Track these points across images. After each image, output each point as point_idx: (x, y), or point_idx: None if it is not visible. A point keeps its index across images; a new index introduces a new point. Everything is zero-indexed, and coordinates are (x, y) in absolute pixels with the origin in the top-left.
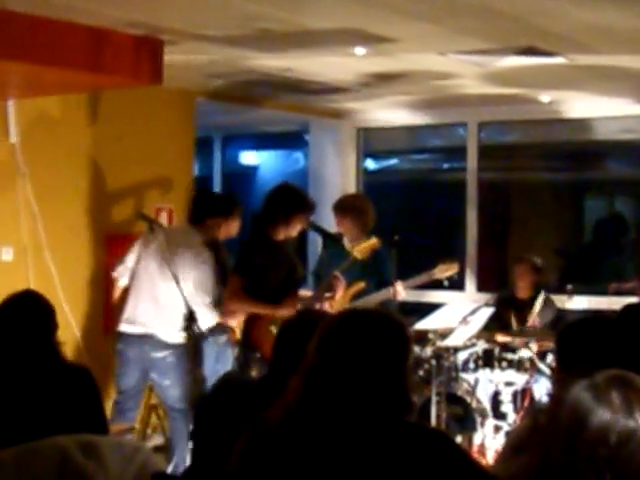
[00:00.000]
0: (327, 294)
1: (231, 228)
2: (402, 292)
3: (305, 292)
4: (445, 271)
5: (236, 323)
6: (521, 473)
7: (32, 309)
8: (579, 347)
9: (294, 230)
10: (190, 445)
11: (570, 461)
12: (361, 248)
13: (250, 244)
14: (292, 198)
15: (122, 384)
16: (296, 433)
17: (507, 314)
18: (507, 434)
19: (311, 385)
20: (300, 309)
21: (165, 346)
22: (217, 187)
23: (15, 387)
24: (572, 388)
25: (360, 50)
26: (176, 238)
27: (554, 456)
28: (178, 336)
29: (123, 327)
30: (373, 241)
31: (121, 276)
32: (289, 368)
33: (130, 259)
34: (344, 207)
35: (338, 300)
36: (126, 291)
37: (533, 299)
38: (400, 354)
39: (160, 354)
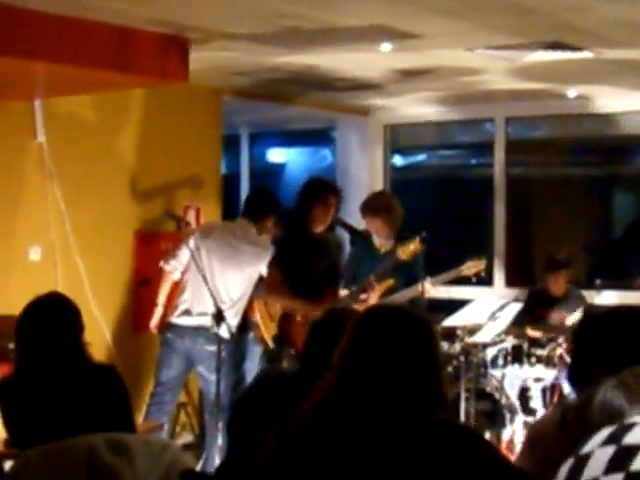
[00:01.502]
0: (362, 296)
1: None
2: (430, 289)
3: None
4: (473, 268)
5: (260, 320)
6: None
7: (57, 312)
8: (598, 345)
9: (321, 214)
10: (221, 442)
11: None
12: (405, 249)
13: (288, 237)
14: (309, 186)
15: (163, 375)
16: (325, 431)
17: (539, 309)
18: (526, 425)
19: (341, 383)
20: (329, 308)
21: (219, 340)
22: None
23: (42, 388)
24: (600, 387)
25: (386, 46)
26: (239, 233)
27: None
28: (228, 331)
29: (178, 319)
30: (416, 243)
31: (175, 270)
32: (319, 366)
33: (184, 254)
34: (374, 208)
35: (371, 302)
36: (177, 285)
37: (566, 294)
38: (427, 348)
39: (214, 348)
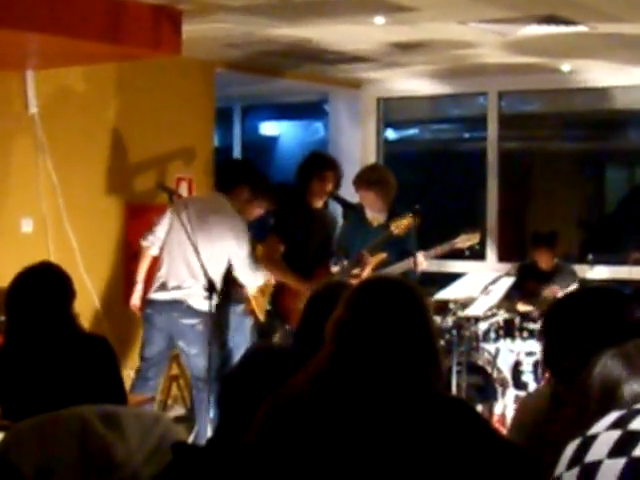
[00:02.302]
0: (354, 271)
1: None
2: (423, 262)
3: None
4: (467, 241)
5: (252, 293)
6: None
7: (48, 280)
8: (569, 322)
9: (318, 188)
10: (212, 415)
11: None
12: (398, 224)
13: (287, 208)
14: (308, 160)
15: (146, 351)
16: (320, 402)
17: (529, 283)
18: (517, 399)
19: (337, 355)
20: (325, 281)
21: (195, 314)
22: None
23: (32, 358)
24: (602, 357)
25: (379, 19)
26: (209, 206)
27: (586, 424)
28: (207, 304)
29: (154, 294)
30: (409, 218)
31: (152, 245)
32: (314, 339)
33: (161, 229)
34: (367, 180)
35: (365, 277)
36: (156, 260)
37: (555, 269)
38: (422, 320)
39: (190, 321)
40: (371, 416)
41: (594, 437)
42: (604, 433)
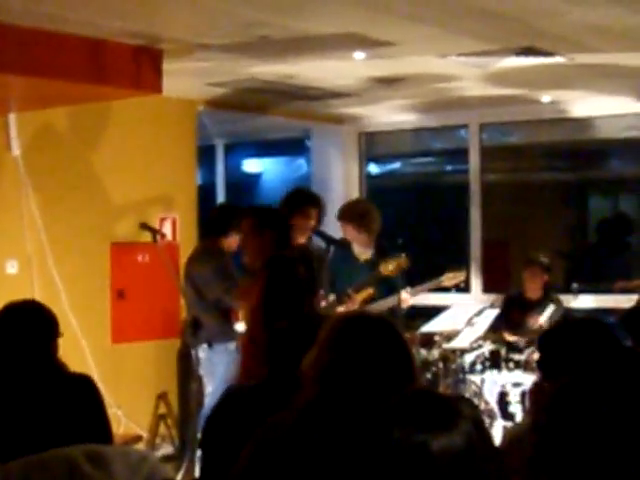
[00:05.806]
0: (340, 308)
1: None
2: (409, 299)
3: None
4: (452, 279)
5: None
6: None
7: (32, 318)
8: (562, 354)
9: (300, 225)
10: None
11: None
12: (388, 266)
13: None
14: (289, 197)
15: None
16: (307, 436)
17: (515, 314)
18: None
19: (322, 393)
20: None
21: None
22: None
23: (17, 398)
24: None
25: (359, 55)
26: None
27: None
28: None
29: None
30: (402, 259)
31: None
32: (285, 372)
33: None
34: (345, 215)
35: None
36: None
37: (542, 299)
38: (401, 355)
39: None
40: (357, 451)
41: None
42: None
